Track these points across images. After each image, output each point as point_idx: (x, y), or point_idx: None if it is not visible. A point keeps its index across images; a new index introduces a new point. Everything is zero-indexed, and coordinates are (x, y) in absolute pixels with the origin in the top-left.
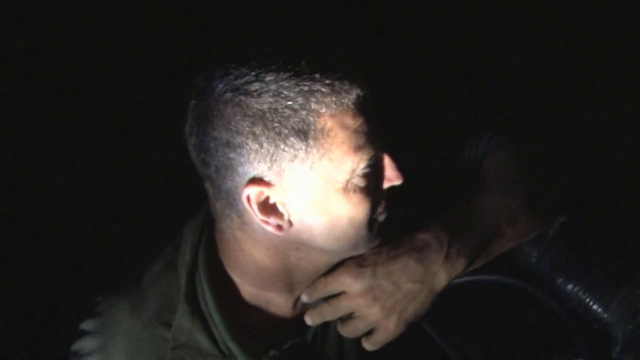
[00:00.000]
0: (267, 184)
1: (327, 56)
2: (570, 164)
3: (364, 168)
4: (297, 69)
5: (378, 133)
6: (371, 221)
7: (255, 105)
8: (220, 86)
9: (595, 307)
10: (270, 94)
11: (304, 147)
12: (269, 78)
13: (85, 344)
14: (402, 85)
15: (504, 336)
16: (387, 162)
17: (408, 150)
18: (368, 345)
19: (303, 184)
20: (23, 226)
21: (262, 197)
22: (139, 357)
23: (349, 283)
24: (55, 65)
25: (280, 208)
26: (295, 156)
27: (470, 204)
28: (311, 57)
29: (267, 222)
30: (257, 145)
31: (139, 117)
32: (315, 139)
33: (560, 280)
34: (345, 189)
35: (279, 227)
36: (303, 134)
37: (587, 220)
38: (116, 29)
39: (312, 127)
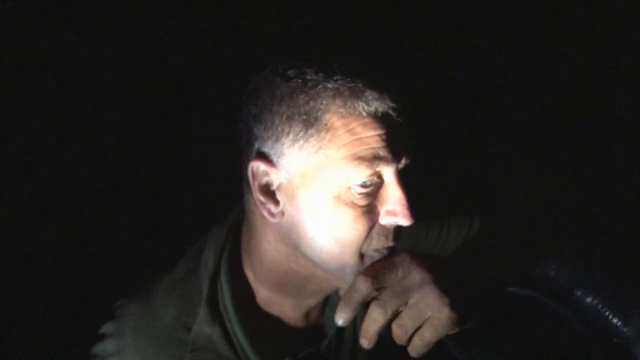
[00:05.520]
0: (270, 162)
1: (368, 66)
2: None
3: (362, 184)
4: (331, 68)
5: (393, 159)
6: (361, 250)
7: (283, 88)
8: (269, 68)
9: (614, 320)
10: (299, 80)
11: (304, 135)
12: (305, 69)
13: (105, 347)
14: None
15: (521, 348)
16: (399, 196)
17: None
18: (415, 349)
19: (298, 172)
20: (47, 231)
21: (265, 180)
22: (160, 358)
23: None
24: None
25: (278, 196)
26: (296, 141)
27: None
28: (350, 62)
29: (262, 204)
30: (270, 123)
31: (175, 128)
32: (318, 130)
33: (579, 293)
34: (338, 198)
35: (272, 213)
36: (309, 122)
37: (605, 233)
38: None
39: (318, 120)
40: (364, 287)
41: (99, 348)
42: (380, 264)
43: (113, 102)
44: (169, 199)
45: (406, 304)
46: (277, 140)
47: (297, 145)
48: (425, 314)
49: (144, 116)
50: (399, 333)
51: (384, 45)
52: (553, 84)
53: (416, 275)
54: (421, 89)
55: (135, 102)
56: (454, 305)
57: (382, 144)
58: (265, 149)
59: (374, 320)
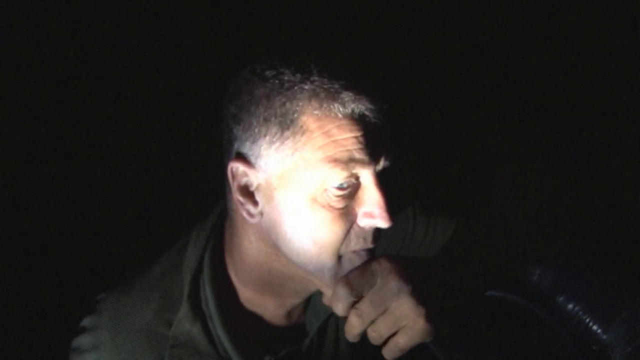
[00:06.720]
0: (249, 163)
1: (344, 67)
2: (572, 191)
3: (339, 187)
4: (309, 69)
5: (370, 161)
6: (339, 252)
7: (261, 88)
8: (248, 68)
9: (594, 327)
10: (276, 81)
11: (280, 137)
12: (282, 70)
13: (85, 340)
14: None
15: (503, 353)
16: (377, 198)
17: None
18: (388, 353)
19: (275, 174)
20: (47, 231)
21: (244, 181)
22: (138, 354)
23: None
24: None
25: (257, 197)
26: (272, 142)
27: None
28: (328, 63)
29: (242, 204)
30: (248, 124)
31: (162, 123)
32: (293, 132)
33: (561, 299)
34: (314, 200)
35: (251, 214)
36: (285, 124)
37: (589, 240)
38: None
39: (294, 122)
40: (344, 297)
41: (78, 341)
42: (359, 273)
43: (113, 102)
44: (169, 199)
45: (384, 310)
46: (254, 141)
47: (273, 147)
48: (400, 323)
49: (144, 116)
50: (374, 337)
51: (382, 45)
52: (553, 84)
53: (394, 284)
54: (420, 88)
55: (135, 102)
56: (429, 316)
57: (359, 145)
58: (244, 150)
59: (353, 326)
